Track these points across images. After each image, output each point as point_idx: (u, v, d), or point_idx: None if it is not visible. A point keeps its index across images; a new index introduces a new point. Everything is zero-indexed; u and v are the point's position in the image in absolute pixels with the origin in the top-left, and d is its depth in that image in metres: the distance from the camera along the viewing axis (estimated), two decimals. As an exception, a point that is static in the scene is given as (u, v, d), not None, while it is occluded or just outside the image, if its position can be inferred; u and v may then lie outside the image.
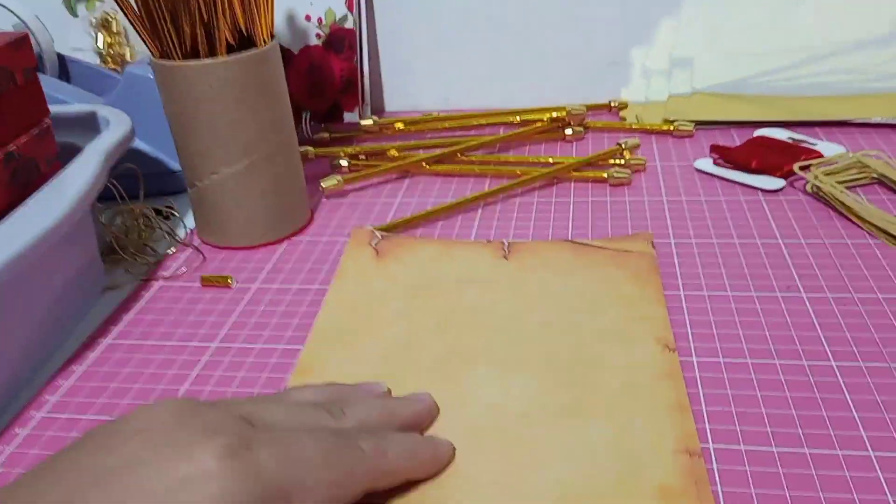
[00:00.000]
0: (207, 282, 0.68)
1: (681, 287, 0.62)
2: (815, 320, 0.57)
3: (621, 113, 1.01)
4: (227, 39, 0.67)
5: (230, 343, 0.60)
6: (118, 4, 0.66)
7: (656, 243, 0.69)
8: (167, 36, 0.66)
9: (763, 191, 0.77)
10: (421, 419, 0.48)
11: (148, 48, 0.68)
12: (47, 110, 0.65)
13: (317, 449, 0.39)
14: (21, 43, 0.62)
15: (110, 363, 0.59)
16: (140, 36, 0.67)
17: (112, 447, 0.35)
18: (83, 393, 0.56)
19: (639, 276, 0.62)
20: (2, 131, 0.60)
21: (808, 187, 0.75)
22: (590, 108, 0.98)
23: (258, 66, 0.67)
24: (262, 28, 0.68)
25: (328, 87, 0.97)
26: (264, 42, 0.69)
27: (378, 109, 1.11)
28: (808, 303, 0.59)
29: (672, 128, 0.92)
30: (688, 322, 0.58)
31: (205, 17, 0.65)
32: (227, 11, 0.66)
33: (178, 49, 0.66)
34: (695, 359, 0.54)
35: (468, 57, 1.06)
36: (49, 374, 0.59)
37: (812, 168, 0.75)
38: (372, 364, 0.55)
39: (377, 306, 0.61)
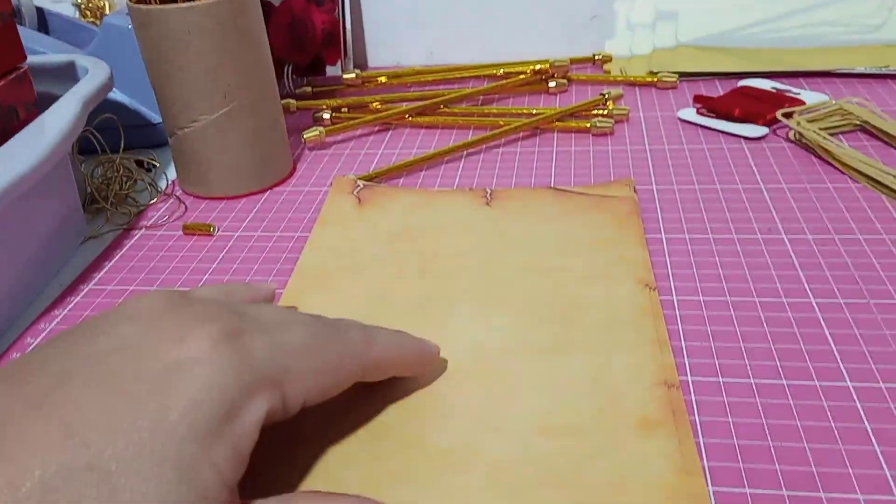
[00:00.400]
0: (189, 230, 0.68)
1: (662, 231, 0.62)
2: (795, 260, 0.57)
3: (605, 66, 1.00)
4: (205, -15, 0.66)
5: (211, 288, 0.60)
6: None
7: (639, 190, 0.69)
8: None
9: (746, 138, 0.77)
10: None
11: (125, -6, 0.67)
12: (24, 55, 0.65)
13: (306, 337, 0.39)
14: (-4, -13, 0.61)
15: (92, 307, 0.59)
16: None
17: (104, 332, 0.35)
18: (63, 336, 0.56)
19: (620, 219, 0.62)
20: (-22, 76, 0.60)
21: (791, 134, 0.75)
22: (574, 61, 0.98)
23: (236, 10, 0.67)
24: (240, -26, 0.68)
25: (310, 40, 0.97)
26: (243, -13, 0.68)
27: (361, 65, 1.10)
28: (788, 244, 0.59)
29: (656, 79, 0.92)
30: (669, 263, 0.58)
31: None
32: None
33: (155, -6, 0.66)
34: (675, 297, 0.54)
35: (452, 11, 1.05)
36: (31, 319, 0.59)
37: (795, 115, 0.75)
38: (353, 305, 0.55)
39: (358, 251, 0.61)
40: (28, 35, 0.84)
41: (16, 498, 0.28)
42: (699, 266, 0.57)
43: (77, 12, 1.05)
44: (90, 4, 1.04)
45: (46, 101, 0.65)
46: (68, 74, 0.74)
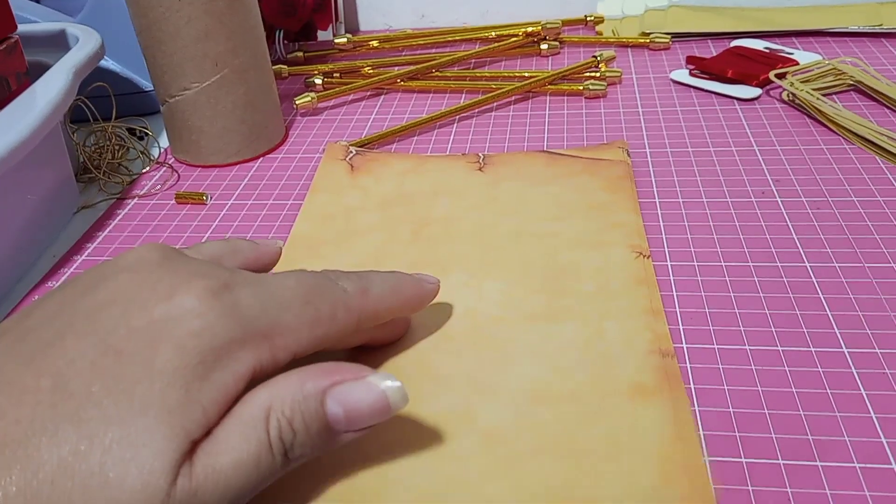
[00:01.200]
0: (182, 199, 0.67)
1: (656, 195, 0.62)
2: (789, 223, 0.57)
3: (597, 27, 1.00)
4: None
5: (205, 258, 0.60)
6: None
7: (632, 153, 0.68)
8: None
9: (739, 100, 0.77)
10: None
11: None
12: (14, 25, 0.64)
13: (298, 288, 0.38)
14: (-16, -44, 0.61)
15: (85, 279, 0.59)
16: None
17: (98, 286, 0.36)
18: (58, 309, 0.56)
19: (612, 183, 0.62)
20: (-33, 47, 0.59)
21: (784, 95, 0.75)
22: (566, 23, 0.98)
23: (227, -23, 0.66)
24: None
25: (301, 5, 0.96)
26: (233, -47, 0.68)
27: (352, 29, 1.10)
28: (782, 206, 0.59)
29: (648, 41, 0.92)
30: (662, 228, 0.58)
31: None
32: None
33: (144, -38, 0.66)
34: (669, 263, 0.54)
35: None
36: (24, 292, 0.59)
37: (788, 76, 0.75)
38: (347, 274, 0.55)
39: (351, 218, 0.61)
40: (18, 3, 0.83)
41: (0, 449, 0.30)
42: (693, 230, 0.57)
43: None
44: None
45: (37, 70, 0.65)
46: (59, 43, 0.74)
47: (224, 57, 0.68)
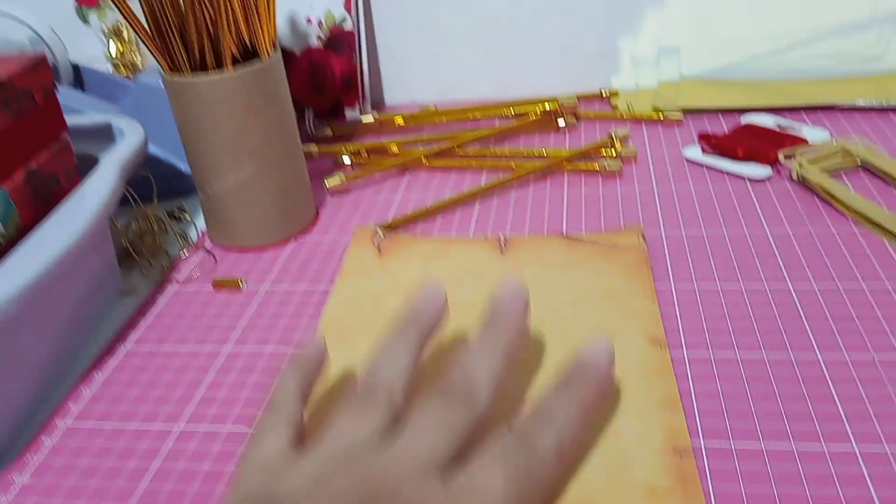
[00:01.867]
0: (219, 285, 0.70)
1: (671, 279, 0.64)
2: (800, 311, 0.59)
3: (612, 101, 1.02)
4: (232, 52, 0.69)
5: (241, 346, 0.63)
6: (128, 22, 0.68)
7: (648, 235, 0.71)
8: (176, 50, 0.68)
9: (750, 179, 0.79)
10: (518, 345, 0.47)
11: (158, 63, 0.70)
12: (65, 125, 0.68)
13: (507, 485, 0.38)
14: (39, 64, 0.64)
15: (129, 370, 0.62)
16: (150, 52, 0.69)
17: None
18: (105, 400, 0.59)
19: (628, 270, 0.64)
20: (23, 150, 0.62)
21: (794, 175, 0.77)
22: (581, 97, 1.01)
23: (262, 76, 0.70)
24: (265, 40, 0.71)
25: (329, 85, 0.99)
26: (267, 53, 0.71)
27: (378, 102, 1.13)
28: (794, 294, 0.61)
29: (661, 116, 0.94)
30: (678, 315, 0.60)
31: (211, 32, 0.68)
32: (232, 26, 0.69)
33: (186, 61, 0.69)
34: (685, 354, 0.56)
35: (462, 50, 1.08)
36: (72, 382, 0.61)
37: (796, 156, 0.77)
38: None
39: (379, 303, 0.64)
40: (64, 93, 0.86)
41: None
42: (707, 317, 0.59)
43: (111, 67, 1.08)
44: (124, 59, 1.07)
45: (84, 162, 0.69)
46: (105, 135, 0.77)
47: (259, 149, 0.72)
